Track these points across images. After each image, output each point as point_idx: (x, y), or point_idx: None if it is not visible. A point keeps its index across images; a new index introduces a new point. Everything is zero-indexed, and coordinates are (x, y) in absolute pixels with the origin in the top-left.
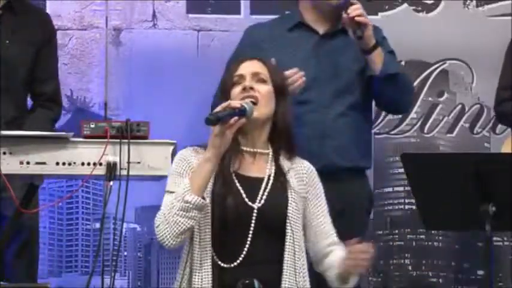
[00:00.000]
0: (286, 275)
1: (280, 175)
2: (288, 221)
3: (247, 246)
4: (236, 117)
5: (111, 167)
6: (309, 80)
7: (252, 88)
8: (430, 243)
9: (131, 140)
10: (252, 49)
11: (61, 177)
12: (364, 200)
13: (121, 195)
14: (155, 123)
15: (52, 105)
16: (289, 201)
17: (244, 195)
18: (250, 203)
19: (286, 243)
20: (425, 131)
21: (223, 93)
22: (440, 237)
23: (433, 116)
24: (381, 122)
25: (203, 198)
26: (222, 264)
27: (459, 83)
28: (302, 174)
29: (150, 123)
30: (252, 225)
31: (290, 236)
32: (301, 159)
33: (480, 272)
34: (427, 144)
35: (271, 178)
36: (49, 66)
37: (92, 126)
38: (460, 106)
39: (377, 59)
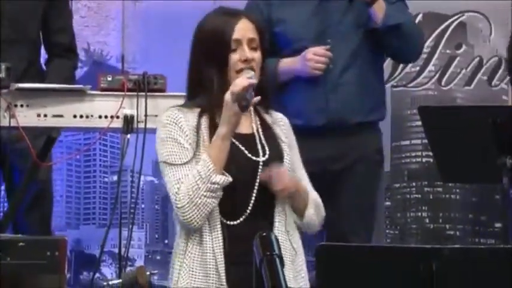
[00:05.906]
0: (276, 221)
1: (266, 129)
2: None
3: (252, 201)
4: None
5: (128, 120)
6: (311, 37)
7: (252, 59)
8: (447, 195)
9: (148, 93)
10: (261, 4)
11: (78, 130)
12: (374, 153)
13: (138, 148)
14: (172, 76)
15: (69, 54)
16: (285, 153)
17: (246, 152)
18: (254, 158)
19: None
20: (442, 83)
21: (218, 56)
22: (457, 190)
23: (451, 69)
24: (398, 75)
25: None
26: (228, 222)
27: (477, 36)
28: (282, 126)
29: (167, 77)
30: (257, 179)
31: None
32: (275, 111)
33: (498, 225)
34: (444, 97)
35: (260, 132)
36: (62, 18)
37: (109, 79)
38: (478, 59)
39: (378, 11)
